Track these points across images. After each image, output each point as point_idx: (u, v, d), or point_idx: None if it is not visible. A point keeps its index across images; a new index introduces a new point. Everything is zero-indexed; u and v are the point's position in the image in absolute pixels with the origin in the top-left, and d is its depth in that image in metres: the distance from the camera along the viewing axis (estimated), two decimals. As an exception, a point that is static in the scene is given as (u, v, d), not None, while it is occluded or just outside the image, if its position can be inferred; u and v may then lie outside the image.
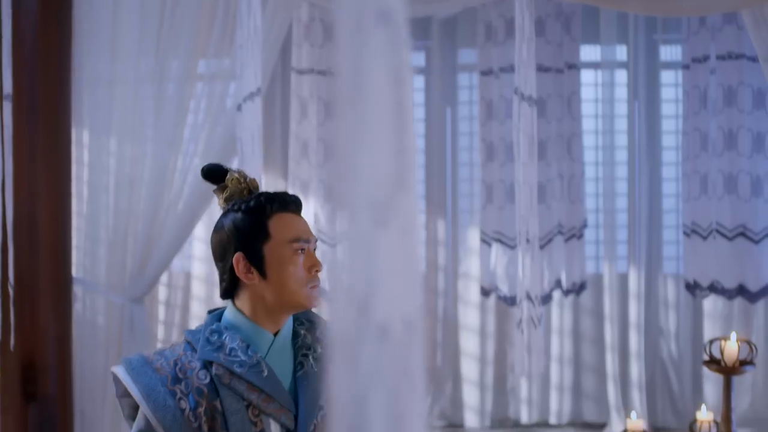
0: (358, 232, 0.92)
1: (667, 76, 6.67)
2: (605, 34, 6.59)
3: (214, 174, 2.38)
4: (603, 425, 6.74)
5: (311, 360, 2.34)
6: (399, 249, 0.94)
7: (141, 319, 5.02)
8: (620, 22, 6.48)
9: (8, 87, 4.68)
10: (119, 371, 2.28)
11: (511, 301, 5.63)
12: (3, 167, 4.70)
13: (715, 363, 3.98)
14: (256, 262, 2.28)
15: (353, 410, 0.92)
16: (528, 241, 5.72)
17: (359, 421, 0.91)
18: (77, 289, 5.00)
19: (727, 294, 5.61)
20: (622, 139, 6.74)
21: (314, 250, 2.33)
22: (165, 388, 2.24)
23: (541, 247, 5.66)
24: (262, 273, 2.28)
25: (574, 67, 5.73)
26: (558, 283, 5.98)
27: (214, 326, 2.32)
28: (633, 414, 4.06)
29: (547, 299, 5.85)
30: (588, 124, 6.68)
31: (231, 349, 2.27)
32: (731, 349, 3.93)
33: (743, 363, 3.94)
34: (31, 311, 4.90)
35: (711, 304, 6.66)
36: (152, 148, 4.95)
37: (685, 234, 5.69)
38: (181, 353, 2.30)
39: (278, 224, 2.29)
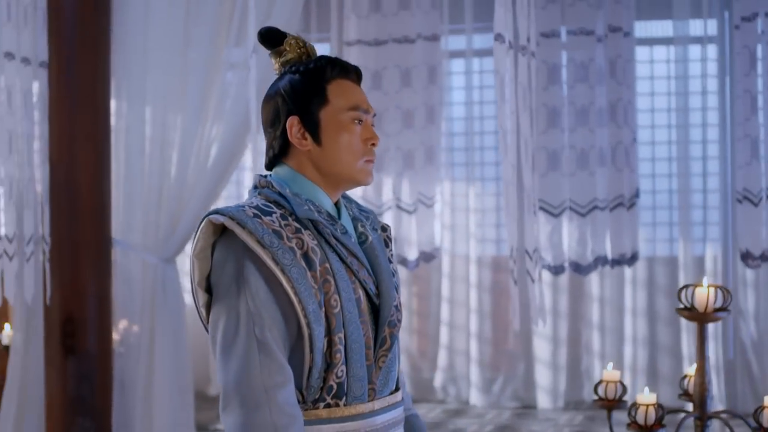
0: None
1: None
2: (678, 9, 6.48)
3: (271, 37, 2.23)
4: (678, 409, 6.49)
5: (369, 232, 2.22)
6: None
7: (172, 279, 5.20)
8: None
9: (43, 54, 4.96)
10: (221, 219, 2.05)
11: (556, 270, 5.53)
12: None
13: (687, 310, 3.80)
14: (312, 126, 2.14)
15: None
16: (570, 209, 5.61)
17: None
18: (116, 250, 5.23)
19: (780, 263, 5.31)
20: (697, 117, 6.64)
21: (372, 124, 2.20)
22: (281, 243, 2.04)
23: (583, 215, 5.52)
24: (317, 139, 2.14)
25: (619, 30, 5.56)
26: (602, 255, 5.81)
27: (290, 187, 2.15)
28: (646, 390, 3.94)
29: (589, 269, 5.69)
30: (660, 101, 6.63)
31: (319, 213, 2.13)
32: (702, 295, 3.74)
33: (718, 310, 3.74)
34: (72, 270, 5.16)
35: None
36: (182, 116, 5.14)
37: (738, 201, 5.45)
38: (276, 211, 2.10)
39: (338, 90, 2.16)
